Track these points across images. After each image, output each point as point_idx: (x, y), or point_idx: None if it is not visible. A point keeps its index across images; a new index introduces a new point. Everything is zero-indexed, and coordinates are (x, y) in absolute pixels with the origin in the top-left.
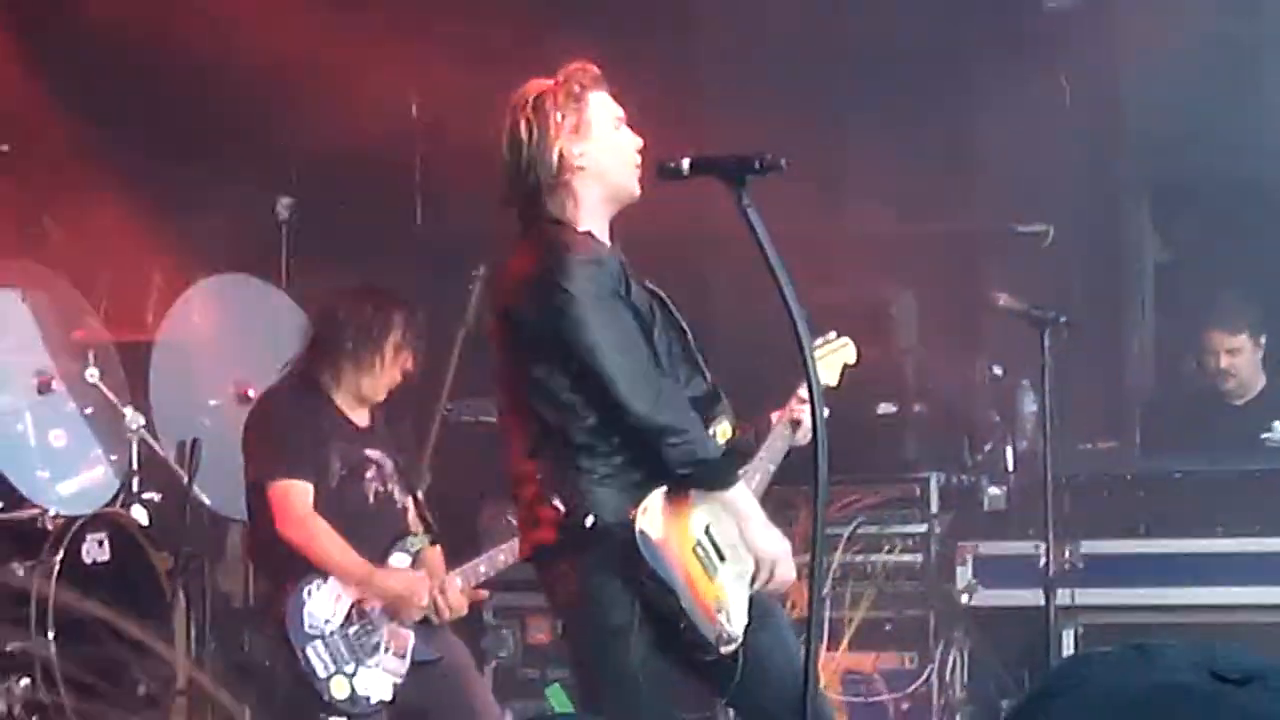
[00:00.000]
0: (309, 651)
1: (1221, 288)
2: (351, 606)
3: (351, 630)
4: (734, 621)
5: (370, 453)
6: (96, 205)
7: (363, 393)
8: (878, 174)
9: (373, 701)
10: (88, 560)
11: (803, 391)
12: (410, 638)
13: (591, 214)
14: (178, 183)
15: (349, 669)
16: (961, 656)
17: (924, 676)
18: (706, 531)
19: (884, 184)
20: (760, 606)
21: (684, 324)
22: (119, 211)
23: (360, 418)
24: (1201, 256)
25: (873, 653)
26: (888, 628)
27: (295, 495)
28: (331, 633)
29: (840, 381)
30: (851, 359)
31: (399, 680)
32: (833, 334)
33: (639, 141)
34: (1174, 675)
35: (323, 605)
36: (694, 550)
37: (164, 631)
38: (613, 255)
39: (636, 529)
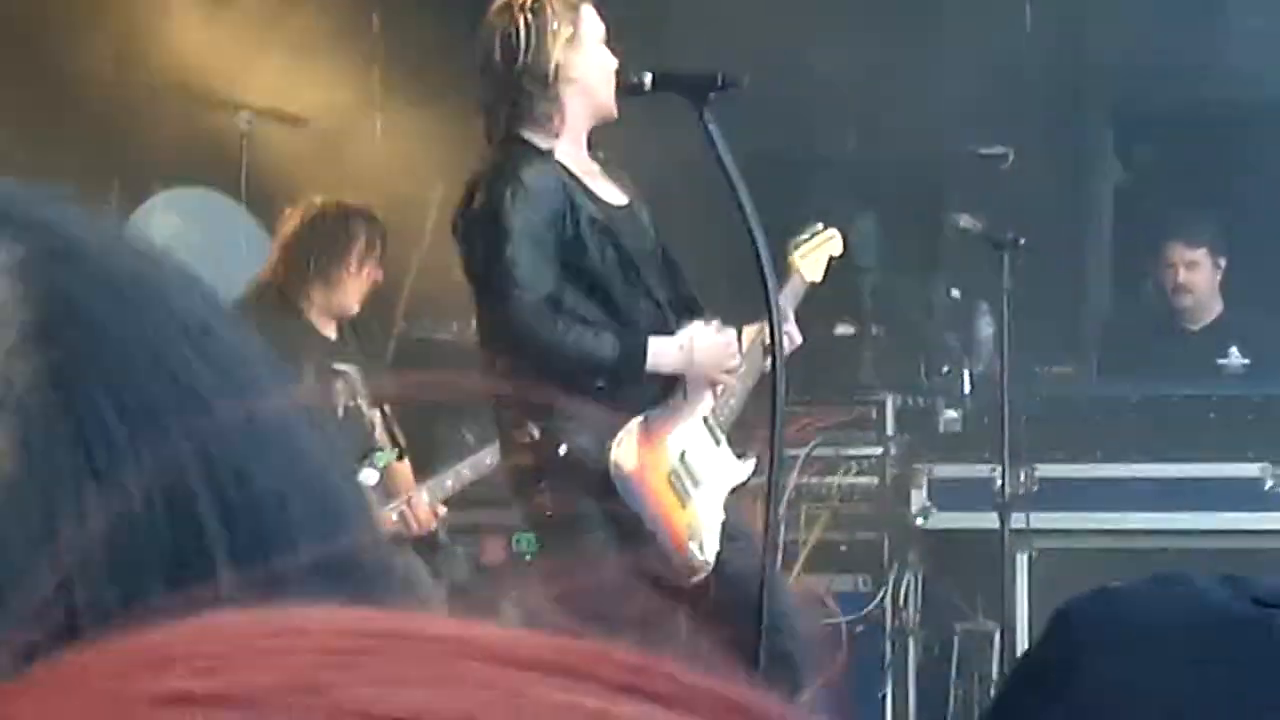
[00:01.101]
0: None
1: (1181, 210)
2: None
3: None
4: (705, 549)
5: (339, 365)
6: (57, 111)
7: (331, 306)
8: (838, 95)
9: None
10: None
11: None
12: None
13: (574, 127)
14: (136, 92)
15: None
16: (915, 580)
17: (877, 599)
18: (682, 458)
19: (844, 104)
20: (735, 529)
21: (642, 250)
22: (78, 117)
23: (330, 330)
24: (1161, 181)
25: (827, 575)
26: (842, 549)
27: None
28: None
29: (825, 275)
30: (838, 250)
31: None
32: (819, 225)
33: (615, 62)
34: (1218, 604)
35: None
36: (669, 478)
37: None
38: (560, 182)
39: (610, 460)
